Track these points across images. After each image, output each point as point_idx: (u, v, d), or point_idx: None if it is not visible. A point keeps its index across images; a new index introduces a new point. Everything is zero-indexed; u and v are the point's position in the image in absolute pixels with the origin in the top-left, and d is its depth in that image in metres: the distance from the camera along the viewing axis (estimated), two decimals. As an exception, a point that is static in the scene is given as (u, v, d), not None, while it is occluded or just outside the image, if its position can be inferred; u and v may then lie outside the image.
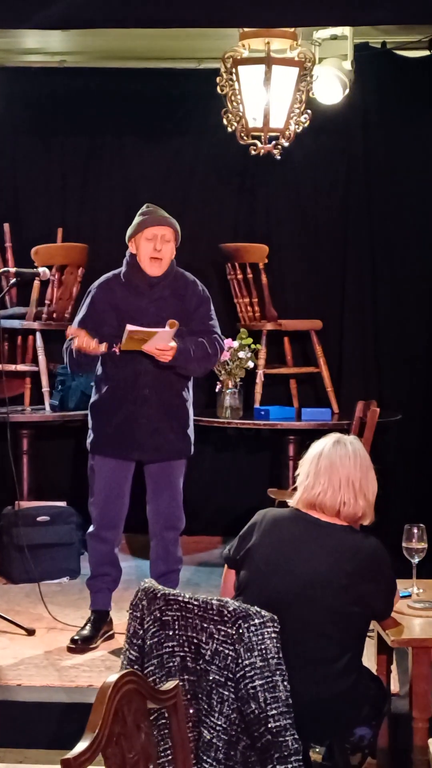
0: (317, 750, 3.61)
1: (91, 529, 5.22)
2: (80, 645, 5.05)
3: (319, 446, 3.53)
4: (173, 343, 4.89)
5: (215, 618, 3.04)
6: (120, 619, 5.21)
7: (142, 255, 5.03)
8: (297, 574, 3.35)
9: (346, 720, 3.41)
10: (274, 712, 3.00)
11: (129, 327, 4.80)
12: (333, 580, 3.33)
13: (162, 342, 4.86)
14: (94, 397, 5.19)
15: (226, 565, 3.64)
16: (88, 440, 5.18)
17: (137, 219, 5.09)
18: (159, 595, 3.15)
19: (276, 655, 3.03)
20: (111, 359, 5.04)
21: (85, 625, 5.16)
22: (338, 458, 3.46)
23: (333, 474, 3.44)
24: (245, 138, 6.00)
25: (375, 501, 3.51)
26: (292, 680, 3.07)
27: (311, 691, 3.25)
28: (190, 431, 5.19)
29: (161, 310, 5.03)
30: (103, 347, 4.92)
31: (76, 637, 5.09)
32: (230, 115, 5.97)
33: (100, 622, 5.17)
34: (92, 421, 5.17)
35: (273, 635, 3.04)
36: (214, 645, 3.04)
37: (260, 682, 3.01)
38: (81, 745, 2.11)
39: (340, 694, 3.34)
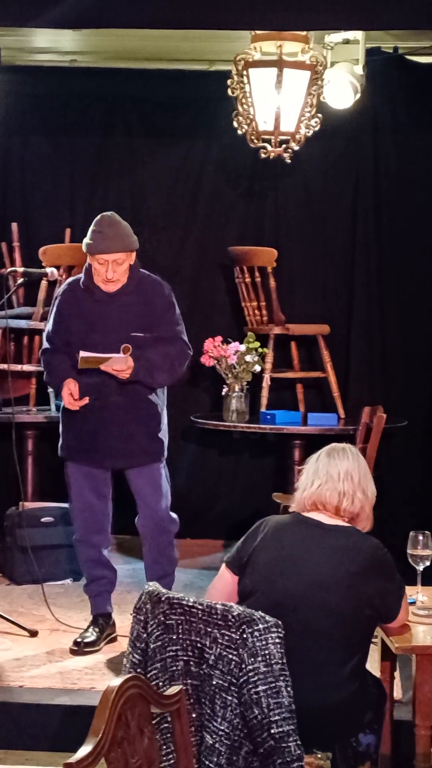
0: (320, 756, 3.59)
1: (75, 535, 5.21)
2: (83, 647, 5.03)
3: (316, 453, 3.61)
4: (130, 362, 4.86)
5: (219, 622, 3.03)
6: (123, 622, 5.21)
7: (95, 275, 4.96)
8: (301, 578, 3.35)
9: (350, 726, 3.39)
10: (277, 717, 2.99)
11: (82, 353, 4.85)
12: (337, 582, 3.32)
13: (118, 364, 4.87)
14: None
15: (224, 566, 3.62)
16: (59, 445, 5.15)
17: (88, 237, 4.98)
18: (163, 598, 3.13)
19: (280, 661, 3.02)
20: (76, 368, 4.96)
21: (88, 627, 5.15)
22: (336, 455, 3.53)
23: (332, 468, 3.49)
24: (255, 141, 6.00)
25: (376, 508, 3.52)
26: (297, 685, 3.05)
27: (316, 697, 3.24)
28: (162, 434, 5.11)
29: (127, 315, 4.97)
30: (83, 401, 4.94)
31: (79, 640, 5.07)
32: (241, 118, 5.97)
33: (103, 624, 5.16)
34: (62, 426, 5.13)
35: (277, 641, 3.02)
36: (218, 649, 3.03)
37: (263, 688, 2.99)
38: (84, 749, 2.10)
39: (344, 700, 3.32)
